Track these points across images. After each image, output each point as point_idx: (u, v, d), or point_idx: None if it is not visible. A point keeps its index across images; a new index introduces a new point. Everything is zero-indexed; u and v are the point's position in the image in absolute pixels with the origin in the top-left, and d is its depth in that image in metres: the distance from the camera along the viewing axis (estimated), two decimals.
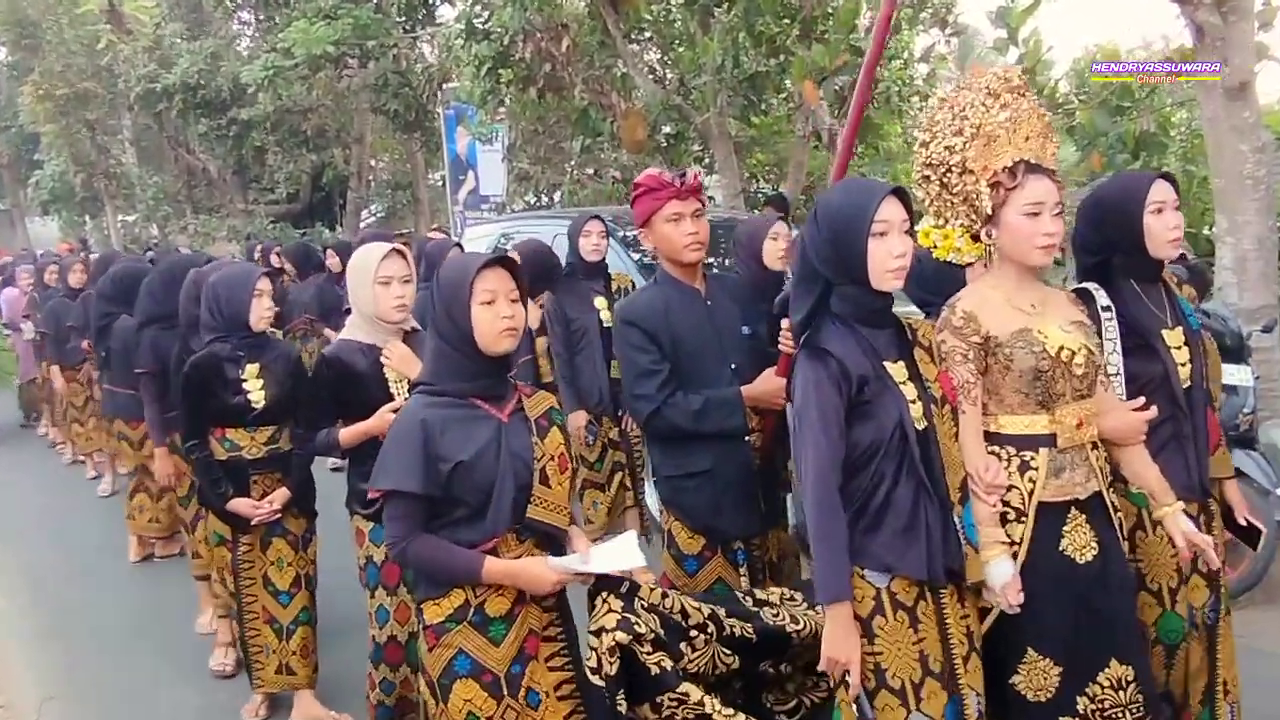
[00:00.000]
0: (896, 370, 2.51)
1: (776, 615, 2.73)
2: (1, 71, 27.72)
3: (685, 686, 2.49)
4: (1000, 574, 2.56)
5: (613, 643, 2.46)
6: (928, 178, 2.78)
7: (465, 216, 14.93)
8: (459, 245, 7.08)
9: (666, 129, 11.08)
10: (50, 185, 25.54)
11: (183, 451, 3.98)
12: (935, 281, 3.22)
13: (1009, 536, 2.63)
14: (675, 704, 2.50)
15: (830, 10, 9.72)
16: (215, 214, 21.50)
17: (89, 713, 4.56)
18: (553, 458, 2.58)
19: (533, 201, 16.10)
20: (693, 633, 2.58)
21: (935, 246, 2.82)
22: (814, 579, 2.45)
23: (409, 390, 2.82)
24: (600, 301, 5.39)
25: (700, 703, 2.49)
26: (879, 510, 2.46)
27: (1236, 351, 4.82)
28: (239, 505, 3.91)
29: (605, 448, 5.41)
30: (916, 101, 12.91)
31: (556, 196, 15.24)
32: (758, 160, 13.28)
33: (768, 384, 3.10)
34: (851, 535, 2.44)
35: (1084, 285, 3.08)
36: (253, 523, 3.93)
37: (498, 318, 2.49)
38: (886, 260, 2.43)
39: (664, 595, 2.60)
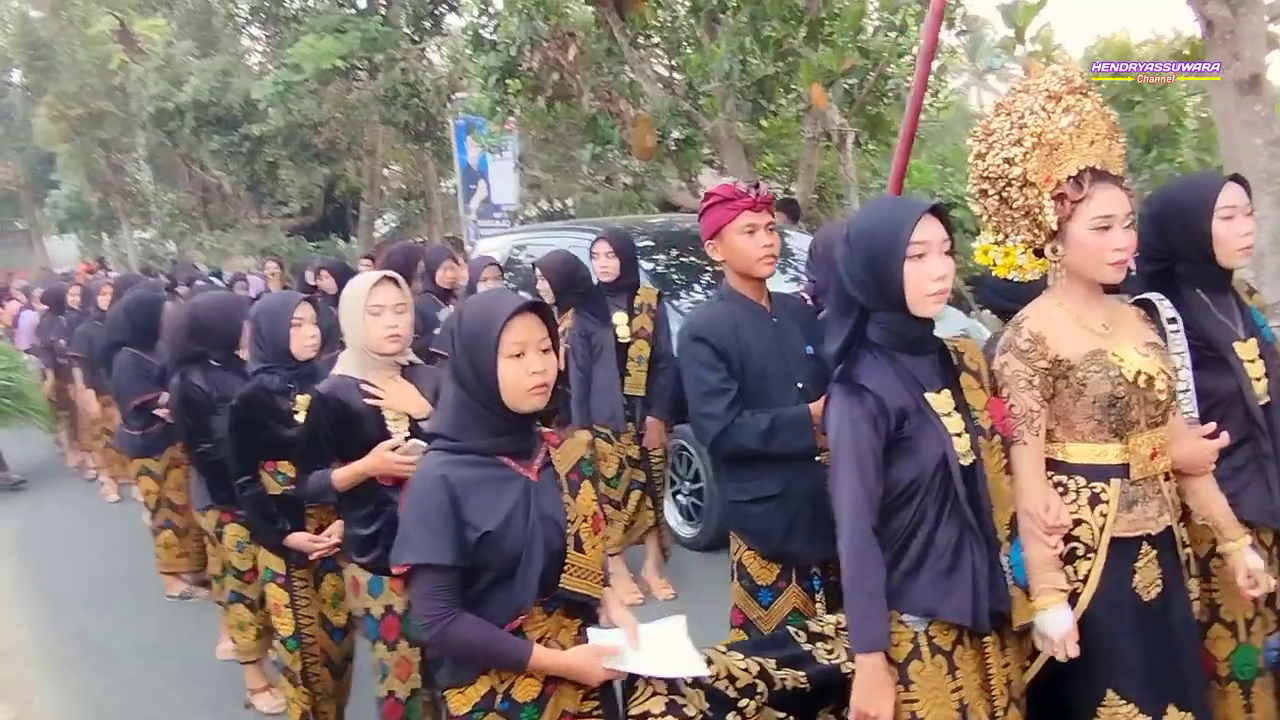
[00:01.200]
0: (940, 401, 2.33)
1: (831, 652, 2.54)
2: (16, 93, 27.94)
3: None
4: (1058, 624, 2.38)
5: None
6: (985, 191, 2.56)
7: (478, 225, 14.95)
8: (452, 250, 7.21)
9: (675, 134, 11.05)
10: (66, 204, 25.78)
11: (235, 490, 3.80)
12: (1010, 286, 3.02)
13: (1075, 575, 2.44)
14: None
15: (836, 11, 9.70)
16: (230, 229, 21.65)
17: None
18: (586, 519, 2.32)
19: (545, 209, 16.13)
20: (741, 701, 2.39)
21: (995, 265, 2.63)
22: (848, 625, 2.31)
23: (416, 436, 2.65)
24: (619, 317, 5.33)
25: None
26: (920, 552, 2.29)
27: None
28: (298, 540, 3.73)
29: (622, 465, 5.35)
30: (927, 98, 12.86)
31: (569, 202, 15.26)
32: (767, 163, 13.24)
33: None
34: (890, 578, 2.28)
35: (1146, 296, 2.84)
36: (311, 557, 3.76)
37: (527, 373, 2.21)
38: (925, 284, 2.25)
39: (708, 660, 2.38)
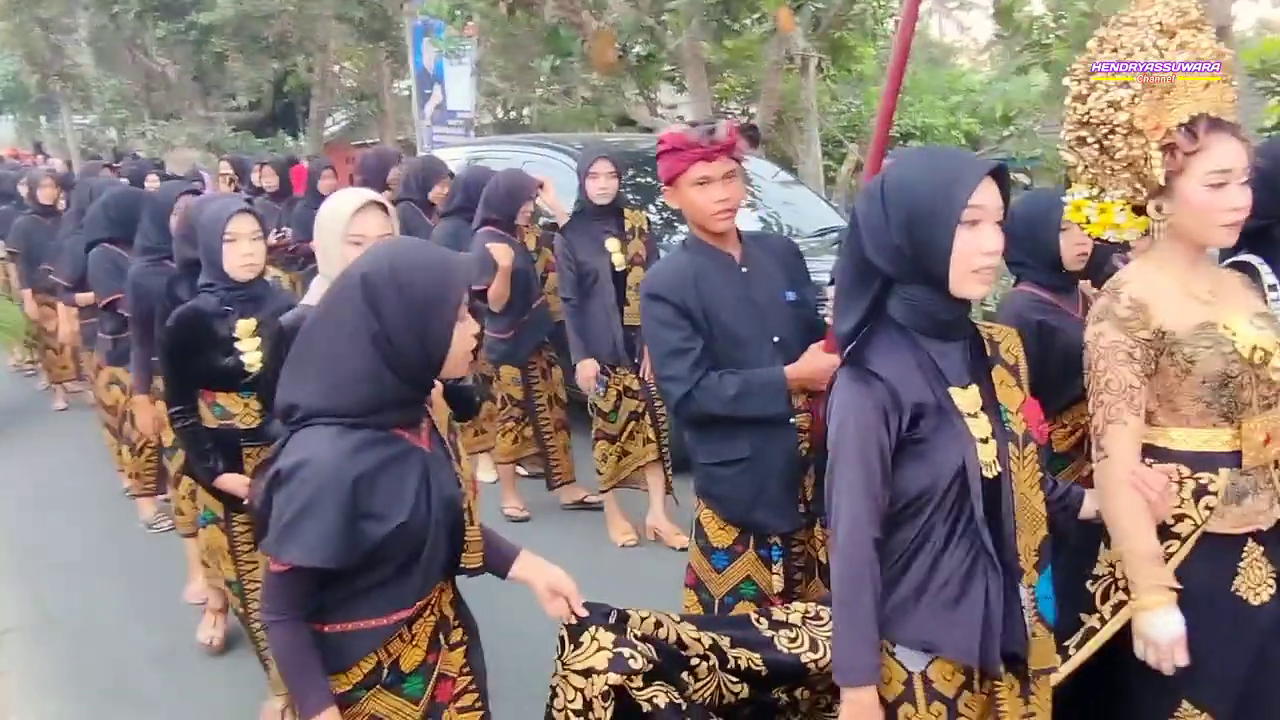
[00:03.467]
0: (966, 398, 1.99)
1: (795, 640, 2.33)
2: None
3: None
4: (1167, 628, 2.12)
5: (605, 686, 2.07)
6: (1083, 139, 2.29)
7: (433, 132, 14.70)
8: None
9: (637, 49, 10.87)
10: (3, 85, 24.85)
11: (172, 421, 3.48)
12: (1029, 242, 2.92)
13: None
14: None
15: None
16: (174, 120, 21.00)
17: (52, 645, 4.58)
18: (471, 484, 2.13)
19: (501, 118, 15.88)
20: (694, 660, 2.22)
21: (1089, 221, 2.37)
22: (834, 653, 2.04)
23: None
24: (612, 243, 5.05)
25: None
26: (922, 576, 1.96)
27: None
28: (229, 482, 3.35)
29: (620, 397, 5.11)
30: (891, 25, 12.77)
31: (525, 111, 15.03)
32: (729, 84, 13.12)
33: (814, 363, 2.71)
34: (884, 601, 1.96)
35: (1243, 258, 2.61)
36: (245, 501, 3.31)
37: (468, 338, 2.01)
38: (974, 258, 1.90)
39: (657, 624, 2.20)
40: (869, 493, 1.93)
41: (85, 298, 5.94)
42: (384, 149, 7.81)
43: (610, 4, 10.66)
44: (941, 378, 1.97)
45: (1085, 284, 3.11)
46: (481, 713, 2.21)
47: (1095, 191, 2.35)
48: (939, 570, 1.95)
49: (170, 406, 3.45)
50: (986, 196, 1.90)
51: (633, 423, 5.13)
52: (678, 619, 2.28)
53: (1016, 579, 2.00)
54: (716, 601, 2.86)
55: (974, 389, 2.01)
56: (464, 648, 2.18)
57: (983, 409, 2.00)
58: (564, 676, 2.11)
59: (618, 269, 5.03)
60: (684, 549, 4.51)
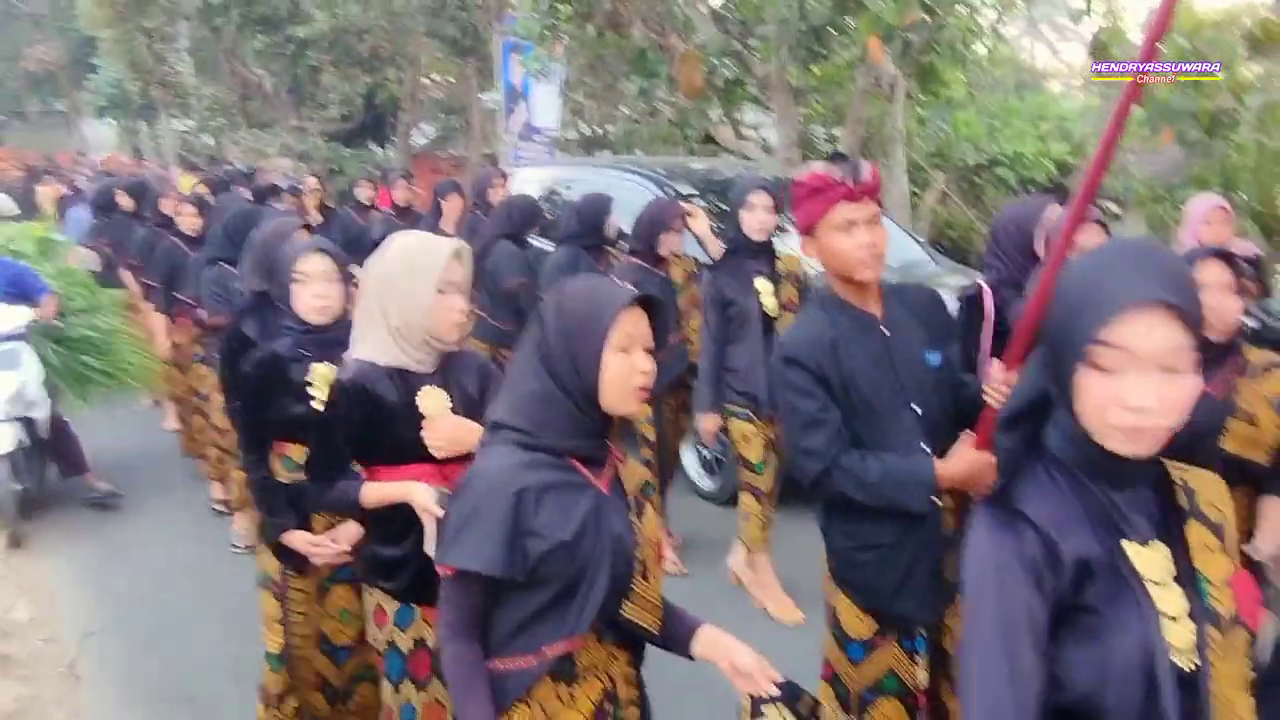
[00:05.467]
0: (1150, 561, 1.49)
1: None
2: None
3: None
4: None
5: None
6: None
7: (518, 148, 14.84)
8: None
9: (724, 73, 10.86)
10: (107, 90, 25.72)
11: (246, 470, 3.29)
12: (1009, 241, 2.91)
13: None
14: None
15: None
16: (268, 129, 21.51)
17: (131, 651, 4.68)
18: (652, 544, 2.08)
19: (586, 134, 15.95)
20: None
21: None
22: None
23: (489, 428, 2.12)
24: (762, 284, 4.69)
25: None
26: None
27: None
28: (295, 540, 3.07)
29: (768, 447, 4.76)
30: (981, 49, 12.59)
31: (610, 128, 15.08)
32: (815, 109, 13.02)
33: (968, 463, 2.48)
34: None
35: None
36: (310, 564, 3.13)
37: (634, 371, 1.97)
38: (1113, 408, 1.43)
39: (815, 707, 2.05)
40: (1015, 680, 1.44)
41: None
42: (487, 170, 7.73)
43: (699, 27, 10.67)
44: (1114, 529, 1.50)
45: None
46: None
47: None
48: None
49: (246, 455, 3.24)
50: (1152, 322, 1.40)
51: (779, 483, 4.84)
52: None
53: None
54: (854, 697, 2.64)
55: (1162, 549, 1.51)
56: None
57: (1175, 579, 1.49)
58: None
59: (770, 314, 4.68)
60: (799, 623, 4.58)
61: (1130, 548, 1.49)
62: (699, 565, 5.33)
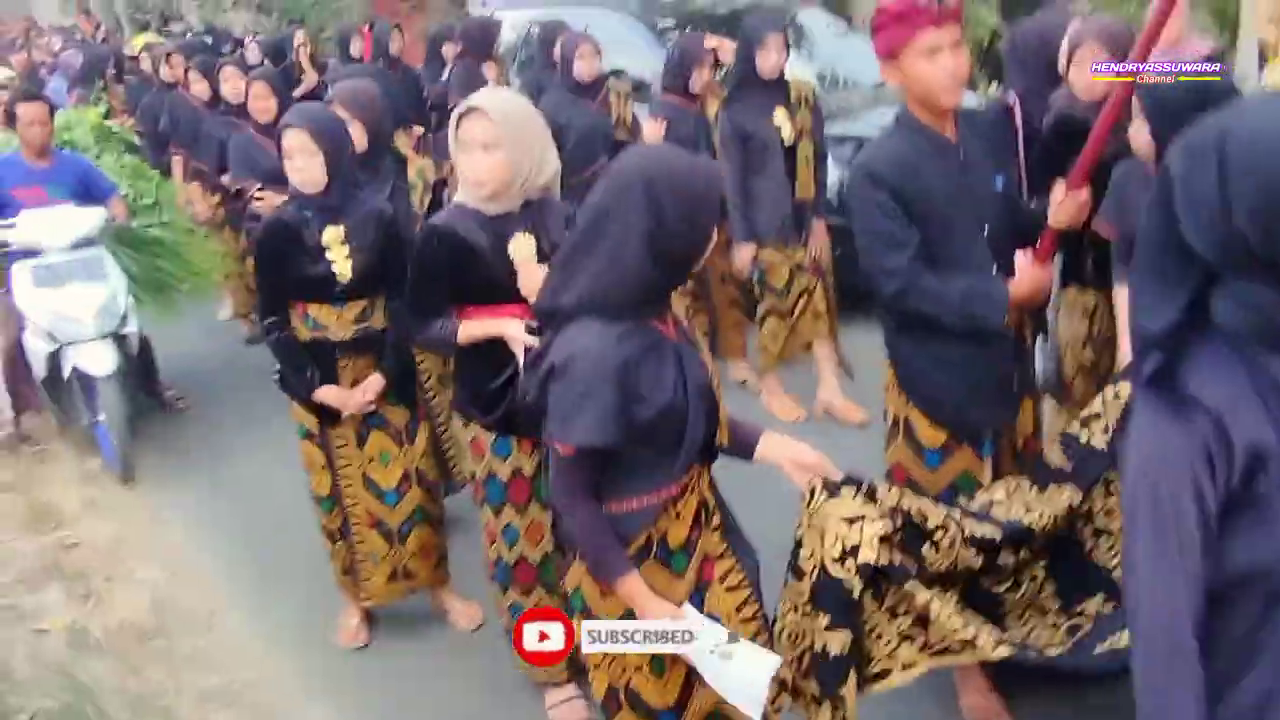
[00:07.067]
0: None
1: (1009, 510, 2.40)
2: None
3: (911, 585, 2.25)
4: None
5: (874, 534, 2.20)
6: None
7: None
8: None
9: None
10: None
11: (266, 333, 3.40)
12: (1033, 56, 2.93)
13: None
14: (899, 599, 2.27)
15: None
16: None
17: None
18: (714, 367, 2.25)
19: None
20: (936, 534, 2.29)
21: None
22: None
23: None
24: (780, 115, 4.76)
25: (926, 604, 2.23)
26: (1269, 683, 1.42)
27: None
28: (326, 394, 3.31)
29: (792, 274, 4.88)
30: None
31: None
32: None
33: (1033, 280, 2.59)
34: (1213, 711, 1.44)
35: None
36: (344, 415, 3.37)
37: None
38: None
39: (901, 494, 2.29)
40: (1183, 567, 1.41)
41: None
42: (485, 20, 7.41)
43: None
44: None
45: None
46: (749, 591, 2.31)
47: None
48: (1267, 679, 1.42)
49: (263, 318, 3.40)
50: None
51: (803, 298, 4.93)
52: (916, 494, 2.38)
53: None
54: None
55: None
56: (721, 530, 2.29)
57: None
58: (817, 526, 2.24)
59: (786, 142, 4.77)
60: (862, 424, 4.79)
61: None
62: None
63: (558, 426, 2.05)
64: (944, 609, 2.23)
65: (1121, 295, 2.91)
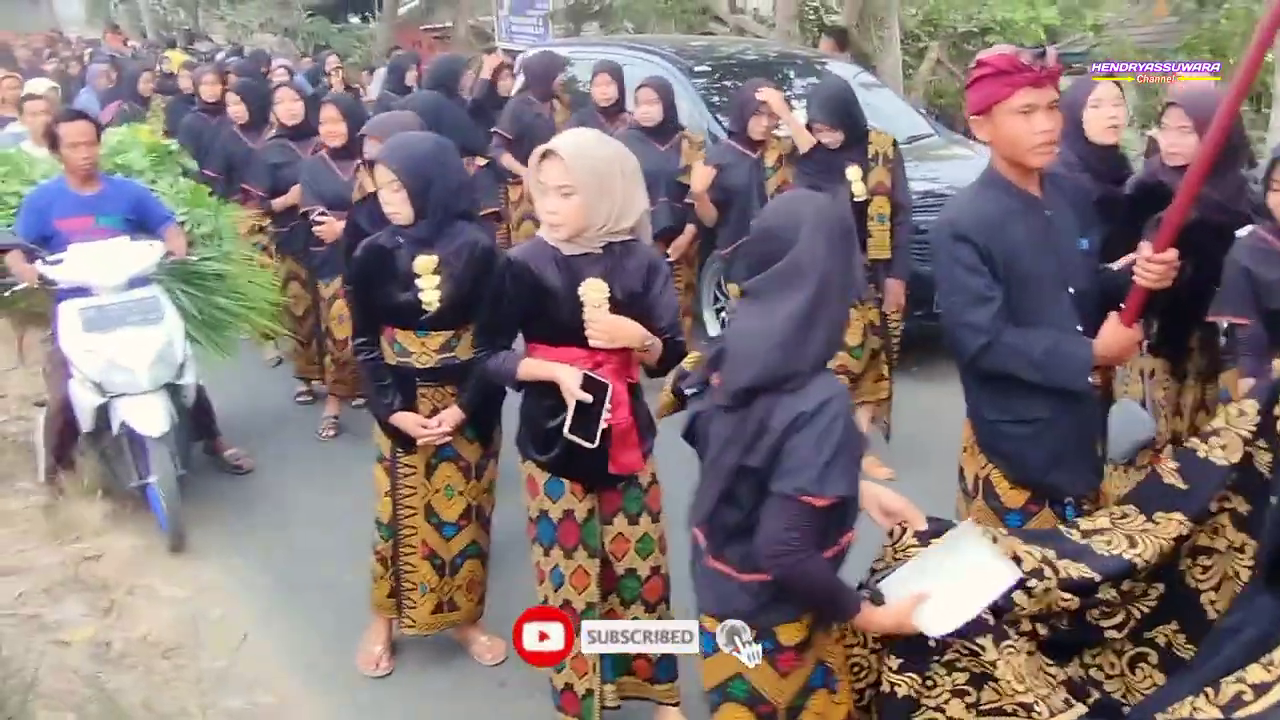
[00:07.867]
0: None
1: (1111, 543, 2.35)
2: None
3: (983, 640, 2.20)
4: None
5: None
6: None
7: (510, 20, 14.80)
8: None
9: None
10: None
11: (357, 354, 3.46)
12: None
13: None
14: (963, 653, 2.23)
15: None
16: (248, 2, 21.12)
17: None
18: None
19: (573, 1, 15.82)
20: (1030, 581, 2.25)
21: None
22: None
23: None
24: (853, 171, 4.64)
25: (992, 663, 2.20)
26: None
27: None
28: (403, 420, 3.33)
29: (865, 333, 4.77)
30: None
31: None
32: None
33: (1119, 341, 2.56)
34: None
35: None
36: (418, 443, 3.37)
37: None
38: None
39: (994, 539, 2.27)
40: None
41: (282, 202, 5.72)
42: (549, 56, 7.29)
43: None
44: None
45: None
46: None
47: None
48: None
49: (357, 338, 3.44)
50: None
51: (872, 359, 4.88)
52: (1005, 532, 2.36)
53: None
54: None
55: None
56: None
57: None
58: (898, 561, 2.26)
59: (857, 198, 4.63)
60: (889, 480, 4.62)
61: None
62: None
63: (816, 478, 2.02)
64: (1008, 668, 2.19)
65: (1244, 383, 3.01)
